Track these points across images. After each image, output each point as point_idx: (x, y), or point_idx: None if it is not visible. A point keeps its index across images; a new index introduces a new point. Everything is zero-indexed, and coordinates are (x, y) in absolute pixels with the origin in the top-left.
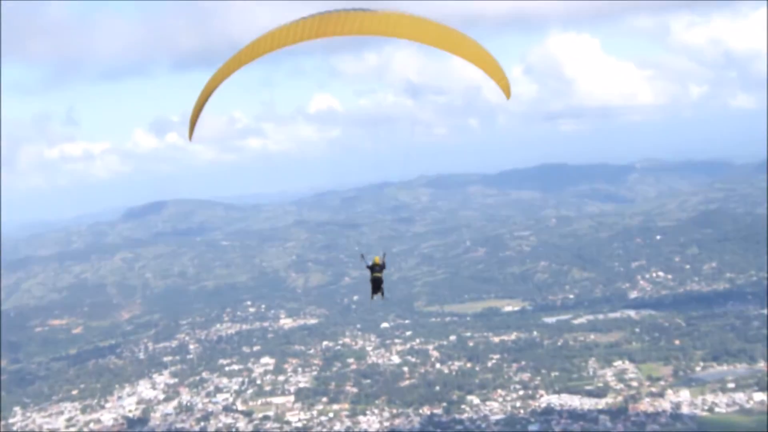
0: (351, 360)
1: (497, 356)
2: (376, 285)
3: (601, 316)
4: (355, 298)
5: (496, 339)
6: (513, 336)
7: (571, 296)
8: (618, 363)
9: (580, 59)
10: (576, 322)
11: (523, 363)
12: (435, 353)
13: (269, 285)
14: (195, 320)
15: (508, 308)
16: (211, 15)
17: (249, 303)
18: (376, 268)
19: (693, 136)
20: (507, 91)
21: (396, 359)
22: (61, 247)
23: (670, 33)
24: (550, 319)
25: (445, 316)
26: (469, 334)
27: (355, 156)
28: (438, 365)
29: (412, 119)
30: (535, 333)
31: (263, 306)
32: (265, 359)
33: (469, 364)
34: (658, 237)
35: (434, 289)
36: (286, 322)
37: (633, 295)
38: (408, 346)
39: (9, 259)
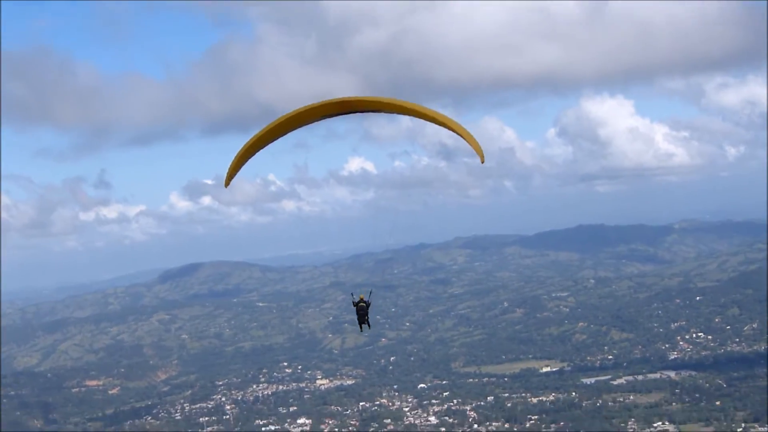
0: (388, 421)
1: (535, 417)
2: (360, 316)
3: (640, 377)
4: (392, 359)
5: (534, 400)
6: (551, 397)
7: (610, 357)
8: (658, 424)
9: (614, 121)
10: (615, 382)
11: (562, 424)
12: (472, 414)
13: (305, 346)
14: (231, 381)
15: (546, 369)
16: (240, 79)
17: (285, 364)
18: (360, 303)
19: (731, 196)
20: (481, 155)
21: (433, 420)
22: (98, 308)
23: (705, 94)
24: (588, 380)
25: (483, 377)
26: (506, 394)
27: (389, 218)
28: (475, 426)
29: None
30: (573, 394)
31: (299, 367)
32: (302, 420)
33: (506, 425)
34: (698, 298)
35: (471, 350)
36: (323, 383)
37: (673, 356)
38: (445, 406)
39: (46, 320)
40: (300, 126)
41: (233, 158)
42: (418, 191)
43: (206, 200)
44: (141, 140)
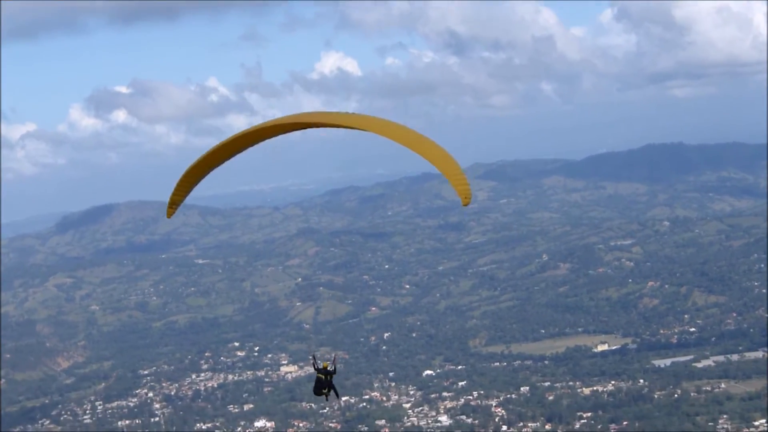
0: (382, 422)
1: (588, 415)
2: (317, 388)
3: (735, 357)
4: (387, 335)
5: (586, 390)
6: (610, 386)
7: (693, 330)
8: (760, 422)
9: None
10: (699, 365)
11: (625, 423)
12: (500, 411)
13: (264, 319)
14: (161, 369)
15: (603, 347)
16: None
17: (236, 344)
18: (322, 372)
19: None
20: (463, 197)
21: (445, 420)
22: None
23: None
24: (662, 362)
25: (514, 360)
26: (547, 384)
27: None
28: (504, 428)
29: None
30: (641, 382)
31: (256, 348)
32: (261, 422)
33: (548, 426)
34: None
35: (497, 323)
36: (289, 371)
37: None
38: (461, 401)
39: None
40: (262, 140)
41: (178, 181)
42: (420, 100)
43: (120, 116)
44: (25, 33)
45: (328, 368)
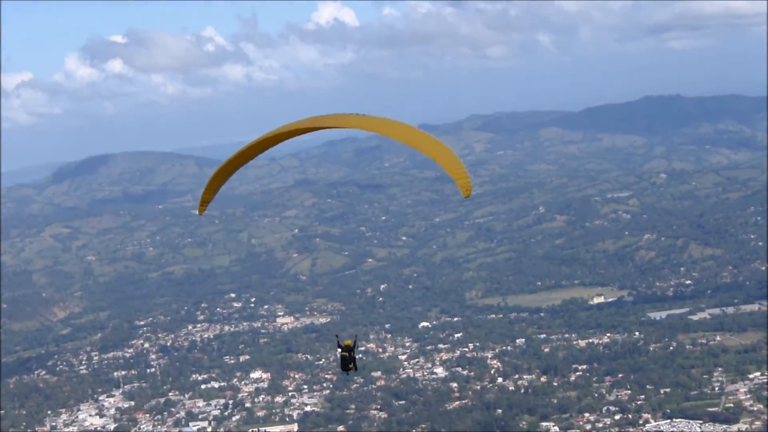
0: (377, 374)
1: (584, 367)
2: (344, 363)
3: (731, 310)
4: (383, 287)
5: (582, 343)
6: (606, 338)
7: (689, 282)
8: (755, 375)
9: None
10: (695, 318)
11: (621, 376)
12: (495, 363)
13: (261, 270)
14: (157, 320)
15: (599, 299)
16: None
17: (233, 296)
18: (345, 349)
19: None
20: (464, 190)
21: (440, 372)
22: None
23: None
24: (657, 315)
25: (510, 312)
26: (543, 336)
27: (376, 88)
28: (500, 380)
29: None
30: (636, 334)
31: (253, 299)
32: (257, 373)
33: (543, 378)
34: None
35: (493, 274)
36: (286, 322)
37: None
38: (457, 353)
39: None
40: (281, 142)
41: (208, 181)
42: (417, 50)
43: (116, 66)
44: None
45: (350, 344)
